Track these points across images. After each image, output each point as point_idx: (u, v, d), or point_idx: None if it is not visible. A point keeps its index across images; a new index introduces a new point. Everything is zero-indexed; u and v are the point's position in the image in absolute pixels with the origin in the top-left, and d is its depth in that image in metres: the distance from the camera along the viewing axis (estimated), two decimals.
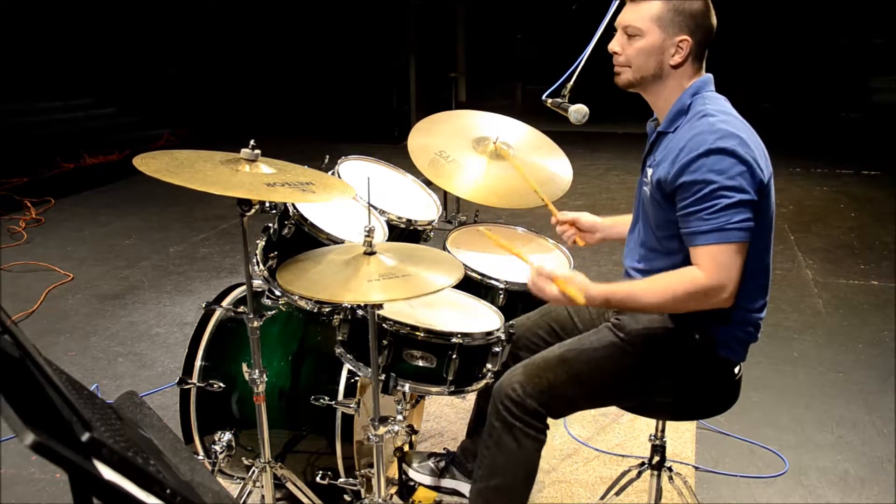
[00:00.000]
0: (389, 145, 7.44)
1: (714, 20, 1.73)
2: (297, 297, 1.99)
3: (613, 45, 1.78)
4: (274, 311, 2.15)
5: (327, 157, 2.26)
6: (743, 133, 1.64)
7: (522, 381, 1.77)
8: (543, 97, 2.10)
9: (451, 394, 1.87)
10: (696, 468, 2.64)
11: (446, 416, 2.96)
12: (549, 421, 1.82)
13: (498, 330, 1.90)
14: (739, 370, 1.89)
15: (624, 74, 1.77)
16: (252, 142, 1.81)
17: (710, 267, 1.62)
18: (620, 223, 2.11)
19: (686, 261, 1.69)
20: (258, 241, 2.11)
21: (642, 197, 1.83)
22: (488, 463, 1.81)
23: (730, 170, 1.59)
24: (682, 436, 2.81)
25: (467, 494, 2.09)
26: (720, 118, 1.66)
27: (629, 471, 2.20)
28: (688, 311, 1.68)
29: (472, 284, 2.15)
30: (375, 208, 2.14)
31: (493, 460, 1.80)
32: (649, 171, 1.77)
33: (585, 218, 2.13)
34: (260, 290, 2.16)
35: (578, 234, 2.14)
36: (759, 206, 1.64)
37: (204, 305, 2.25)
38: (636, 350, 1.78)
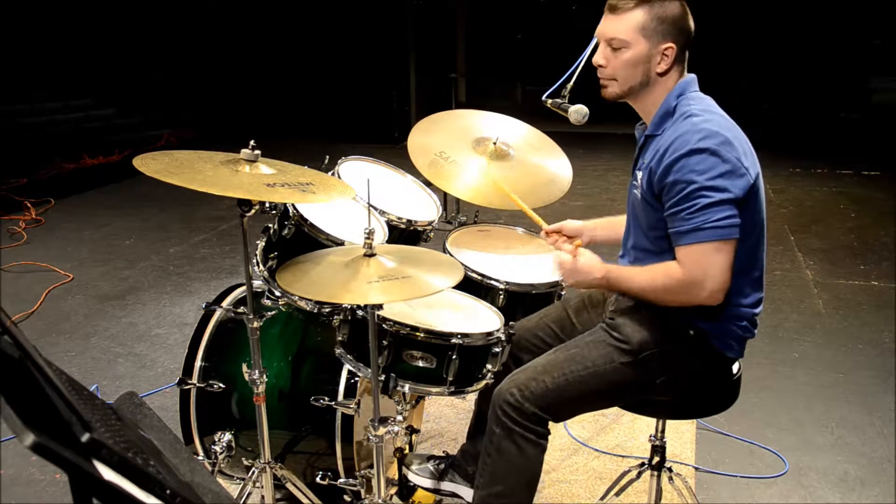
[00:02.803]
0: (389, 146, 7.44)
1: (692, 23, 1.75)
2: (296, 297, 1.99)
3: (597, 59, 1.77)
4: (274, 312, 2.15)
5: (327, 157, 2.26)
6: (727, 132, 1.65)
7: (521, 385, 1.77)
8: (543, 97, 2.10)
9: (450, 394, 1.87)
10: (696, 469, 2.64)
11: (446, 416, 2.96)
12: (550, 423, 1.82)
13: (498, 330, 1.90)
14: (739, 369, 1.89)
15: (611, 88, 1.77)
16: (252, 142, 1.81)
17: (688, 264, 1.65)
18: (603, 225, 2.13)
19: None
20: (258, 242, 2.11)
21: (633, 200, 1.85)
22: (490, 470, 1.81)
23: (711, 169, 1.60)
24: (682, 436, 2.81)
25: (466, 498, 2.09)
26: (704, 118, 1.67)
27: (629, 471, 2.20)
28: (669, 303, 1.72)
29: (473, 285, 2.15)
30: (375, 209, 2.14)
31: (495, 467, 1.80)
32: (639, 175, 1.79)
33: (570, 224, 2.14)
34: (260, 290, 2.16)
35: (567, 240, 2.14)
36: (746, 204, 1.65)
37: (204, 306, 2.25)
38: (631, 349, 1.78)
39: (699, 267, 1.64)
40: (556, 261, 1.83)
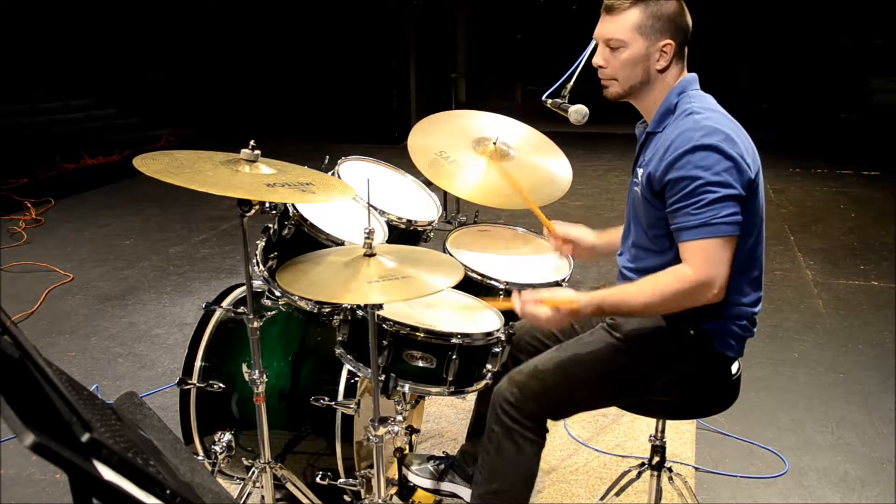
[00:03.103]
0: (389, 146, 7.45)
1: (689, 18, 1.75)
2: (296, 297, 1.99)
3: (597, 60, 1.78)
4: (274, 312, 2.15)
5: (327, 157, 2.26)
6: (729, 129, 1.65)
7: (520, 384, 1.77)
8: (543, 97, 2.10)
9: (450, 394, 1.87)
10: (696, 469, 2.64)
11: (446, 416, 2.96)
12: (549, 422, 1.82)
13: (498, 330, 1.90)
14: (738, 369, 1.89)
15: (612, 88, 1.78)
16: (252, 142, 1.81)
17: (698, 262, 1.64)
18: (615, 237, 2.07)
19: (677, 258, 1.71)
20: (258, 242, 2.11)
21: (633, 197, 1.84)
22: (488, 467, 1.81)
23: (715, 165, 1.61)
24: (682, 436, 2.81)
25: (466, 498, 2.10)
26: (705, 115, 1.67)
27: (629, 471, 2.20)
28: (678, 309, 1.69)
29: (473, 285, 2.14)
30: (375, 209, 2.14)
31: (493, 465, 1.80)
32: (639, 171, 1.79)
33: (584, 239, 2.09)
34: (260, 290, 2.16)
35: (574, 250, 2.12)
36: (747, 201, 1.65)
37: (204, 306, 2.25)
38: (631, 349, 1.78)
39: (709, 263, 1.63)
40: (540, 319, 1.72)
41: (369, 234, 1.71)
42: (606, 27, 1.73)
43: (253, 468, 2.05)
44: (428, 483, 2.14)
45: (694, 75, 1.78)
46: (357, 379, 2.09)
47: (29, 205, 5.92)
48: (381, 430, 1.85)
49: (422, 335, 1.82)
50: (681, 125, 1.68)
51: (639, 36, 1.70)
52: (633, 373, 1.79)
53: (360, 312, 1.85)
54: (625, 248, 1.94)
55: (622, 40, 1.71)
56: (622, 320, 1.82)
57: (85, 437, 0.71)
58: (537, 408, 1.76)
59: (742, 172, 1.63)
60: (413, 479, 2.15)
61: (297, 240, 1.99)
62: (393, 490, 2.21)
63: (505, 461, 1.78)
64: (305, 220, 2.00)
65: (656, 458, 2.09)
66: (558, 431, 2.82)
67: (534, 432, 1.78)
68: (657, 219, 1.74)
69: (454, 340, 1.82)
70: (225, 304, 2.28)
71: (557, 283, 2.21)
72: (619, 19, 1.70)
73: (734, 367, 1.88)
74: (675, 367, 1.80)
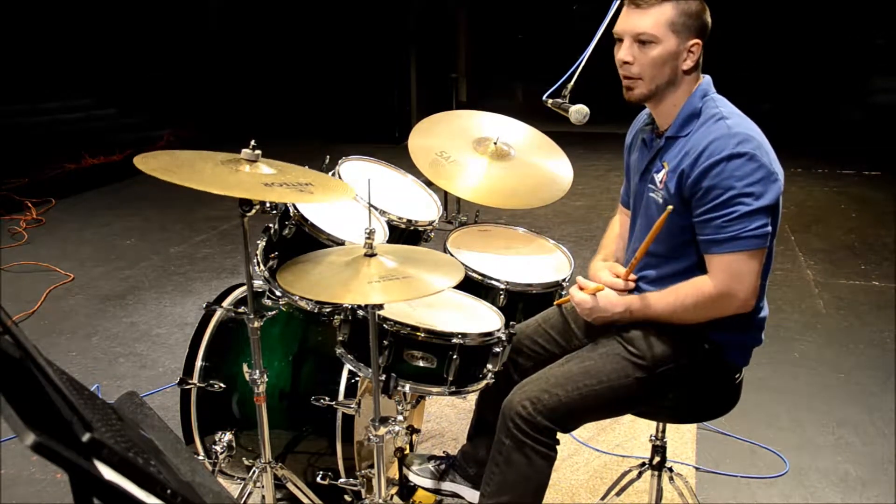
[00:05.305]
0: (390, 145, 7.44)
1: (710, 18, 1.71)
2: (297, 297, 1.99)
3: (624, 55, 1.68)
4: (274, 312, 2.15)
5: (328, 157, 2.26)
6: (759, 135, 1.65)
7: (532, 398, 1.75)
8: (544, 97, 2.09)
9: (451, 394, 1.87)
10: (697, 469, 2.64)
11: (447, 416, 2.96)
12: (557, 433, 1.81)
13: (498, 330, 1.89)
14: (741, 373, 1.89)
15: (637, 89, 1.70)
16: (252, 142, 1.80)
17: (721, 276, 1.64)
18: (617, 248, 2.06)
19: (694, 264, 1.70)
20: (259, 242, 2.11)
21: (650, 204, 1.81)
22: (498, 480, 1.79)
23: (750, 175, 1.60)
24: (682, 436, 2.81)
25: (468, 498, 2.09)
26: (735, 121, 1.66)
27: (630, 471, 2.20)
28: (701, 320, 1.70)
29: (473, 285, 2.14)
30: (376, 209, 2.14)
31: (504, 477, 1.78)
32: (658, 177, 1.75)
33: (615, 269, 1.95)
34: (260, 290, 2.16)
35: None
36: (775, 210, 1.65)
37: (204, 306, 2.25)
38: (647, 364, 1.76)
39: (732, 276, 1.63)
40: (574, 302, 1.82)
41: (370, 234, 1.71)
42: (637, 21, 1.65)
43: (253, 468, 2.05)
44: (429, 483, 2.14)
45: (709, 78, 1.75)
46: (358, 379, 2.09)
47: (30, 204, 5.92)
48: (382, 430, 1.85)
49: (422, 335, 1.82)
50: (712, 131, 1.65)
51: (671, 33, 1.64)
52: (648, 387, 1.78)
53: (360, 312, 1.85)
54: (633, 254, 1.91)
55: (655, 35, 1.63)
56: (636, 335, 1.80)
57: (86, 437, 0.71)
58: (550, 422, 1.74)
59: (774, 182, 1.62)
60: (414, 478, 2.14)
61: (298, 240, 1.99)
62: (394, 490, 2.21)
63: (515, 474, 1.77)
64: (306, 220, 2.00)
65: (657, 458, 2.09)
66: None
67: (546, 446, 1.77)
68: (681, 227, 1.71)
69: (455, 340, 1.81)
70: (226, 303, 2.28)
71: (558, 283, 2.22)
72: (652, 13, 1.63)
73: (737, 373, 1.89)
74: (688, 380, 1.80)
